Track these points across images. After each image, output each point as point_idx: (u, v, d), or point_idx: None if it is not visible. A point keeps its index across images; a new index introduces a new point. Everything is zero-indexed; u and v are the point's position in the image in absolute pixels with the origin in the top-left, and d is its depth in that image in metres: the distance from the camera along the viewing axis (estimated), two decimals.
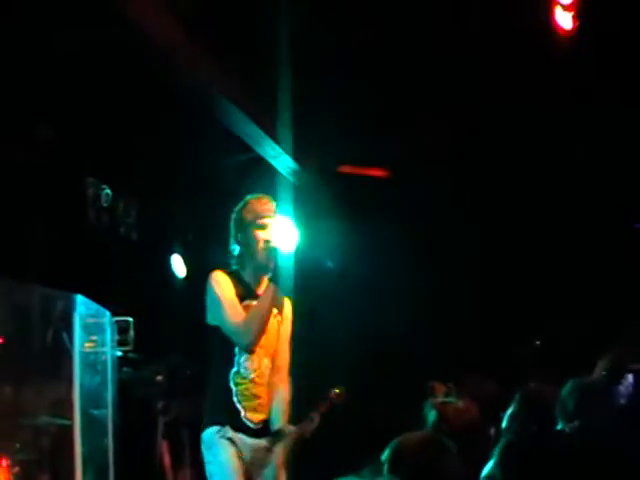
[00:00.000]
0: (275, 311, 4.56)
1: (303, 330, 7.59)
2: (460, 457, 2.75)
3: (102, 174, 6.60)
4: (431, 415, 3.40)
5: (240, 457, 4.35)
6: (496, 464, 1.72)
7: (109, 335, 6.54)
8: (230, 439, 4.34)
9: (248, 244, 4.53)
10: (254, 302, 4.48)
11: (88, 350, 6.42)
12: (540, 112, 7.06)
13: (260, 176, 7.03)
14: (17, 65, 5.12)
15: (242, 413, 4.38)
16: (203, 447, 4.42)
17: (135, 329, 6.61)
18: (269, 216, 4.55)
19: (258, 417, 4.44)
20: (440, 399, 3.61)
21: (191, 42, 5.49)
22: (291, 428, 6.83)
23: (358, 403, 7.09)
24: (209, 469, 4.41)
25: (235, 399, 4.38)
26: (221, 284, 4.44)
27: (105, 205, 6.63)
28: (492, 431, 3.46)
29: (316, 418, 6.84)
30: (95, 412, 6.37)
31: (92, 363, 6.44)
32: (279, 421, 4.59)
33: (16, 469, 5.09)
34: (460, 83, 6.77)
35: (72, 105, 5.75)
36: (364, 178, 7.99)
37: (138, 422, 6.49)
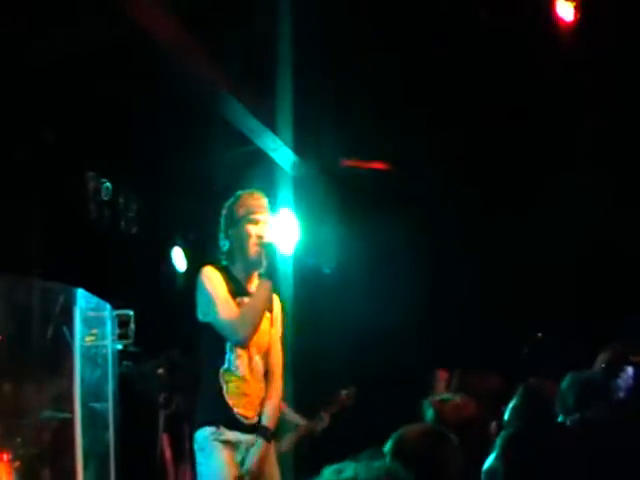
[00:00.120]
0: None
1: (305, 327, 7.63)
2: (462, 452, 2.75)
3: (102, 168, 6.59)
4: (429, 413, 3.39)
5: (233, 461, 4.30)
6: (497, 457, 1.71)
7: (110, 328, 6.53)
8: (224, 442, 4.29)
9: (240, 239, 4.49)
10: (246, 298, 4.45)
11: (89, 344, 6.42)
12: (542, 103, 7.03)
13: (260, 169, 7.03)
14: (17, 60, 5.11)
15: (234, 410, 4.33)
16: (196, 447, 4.38)
17: (136, 322, 6.61)
18: (261, 212, 4.52)
19: (251, 413, 4.38)
20: (437, 396, 3.59)
21: (190, 35, 5.48)
22: (301, 421, 6.88)
23: (361, 399, 7.09)
24: (200, 470, 4.37)
25: (226, 396, 4.33)
26: (212, 280, 4.40)
27: (105, 199, 6.61)
28: (494, 425, 3.46)
29: (326, 417, 6.88)
30: (96, 406, 6.37)
31: (93, 357, 6.43)
32: (267, 423, 4.49)
33: (17, 463, 5.09)
34: (462, 76, 6.74)
35: (71, 100, 5.74)
36: (365, 171, 7.97)
37: (139, 415, 6.49)
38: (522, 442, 1.76)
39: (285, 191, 6.93)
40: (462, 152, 7.58)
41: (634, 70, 6.56)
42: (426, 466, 2.08)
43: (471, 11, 6.30)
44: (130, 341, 6.64)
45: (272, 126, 6.66)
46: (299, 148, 7.20)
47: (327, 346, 7.97)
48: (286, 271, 6.56)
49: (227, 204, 4.57)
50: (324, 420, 6.86)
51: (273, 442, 4.54)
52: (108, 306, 6.54)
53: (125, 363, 6.77)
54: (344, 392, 7.02)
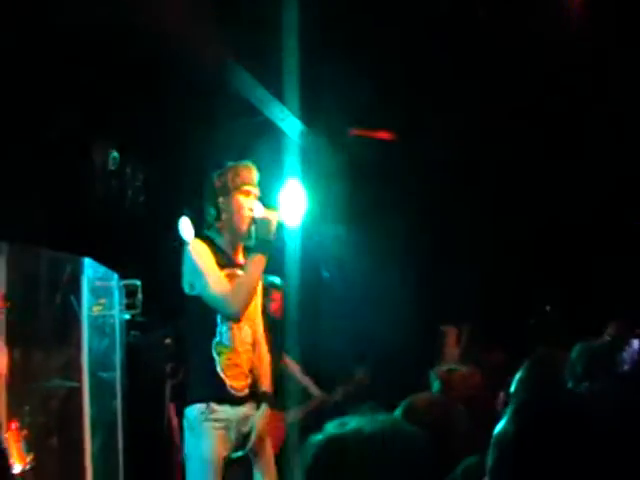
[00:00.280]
0: None
1: (313, 302, 7.64)
2: (469, 422, 2.75)
3: (109, 138, 6.57)
4: (435, 384, 3.39)
5: (224, 442, 4.26)
6: (507, 422, 1.71)
7: (117, 298, 6.57)
8: (215, 420, 4.24)
9: (230, 210, 4.42)
10: (236, 270, 4.40)
11: (96, 313, 6.45)
12: (554, 80, 6.98)
13: (268, 139, 7.00)
14: (28, 31, 5.08)
15: (227, 383, 4.29)
16: (186, 424, 4.31)
17: (143, 292, 6.63)
18: (253, 184, 4.46)
19: (241, 385, 4.35)
20: (444, 367, 3.59)
21: (198, 5, 5.44)
22: (317, 392, 6.93)
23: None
24: (189, 451, 4.30)
25: (219, 369, 4.28)
26: (201, 253, 4.33)
27: (112, 169, 6.60)
28: (502, 396, 3.46)
29: (340, 391, 6.93)
30: (103, 375, 6.41)
31: (100, 326, 6.47)
32: (267, 389, 4.52)
33: (25, 432, 5.12)
34: (472, 49, 6.69)
35: (79, 71, 5.71)
36: (373, 141, 7.94)
37: (146, 385, 6.51)
38: (532, 406, 1.75)
39: (293, 161, 6.90)
40: (469, 122, 7.54)
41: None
42: (434, 433, 2.08)
43: None
44: (137, 311, 6.66)
45: (280, 96, 6.62)
46: (307, 118, 7.17)
47: (336, 316, 7.96)
48: (294, 241, 6.54)
49: (217, 173, 4.47)
50: (338, 394, 6.92)
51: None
52: (115, 276, 6.57)
53: (132, 333, 6.80)
54: (361, 371, 7.07)
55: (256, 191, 4.47)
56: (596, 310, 6.55)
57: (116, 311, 6.55)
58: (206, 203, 4.50)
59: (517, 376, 3.63)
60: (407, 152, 7.97)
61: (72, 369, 6.18)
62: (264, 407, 4.43)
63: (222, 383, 4.28)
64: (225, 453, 4.27)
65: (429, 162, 7.93)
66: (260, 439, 4.41)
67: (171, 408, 6.57)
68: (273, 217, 4.36)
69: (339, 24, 6.33)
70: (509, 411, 1.71)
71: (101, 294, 6.51)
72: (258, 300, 4.59)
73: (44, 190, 5.77)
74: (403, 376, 6.38)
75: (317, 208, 7.37)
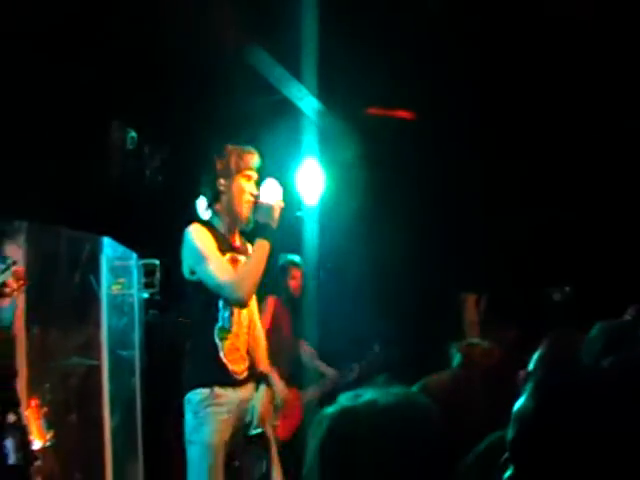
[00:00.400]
0: None
1: (333, 282, 7.64)
2: (488, 398, 2.76)
3: (127, 117, 6.58)
4: (456, 358, 3.38)
5: (227, 427, 4.25)
6: (528, 397, 1.70)
7: (136, 277, 6.60)
8: (218, 404, 4.22)
9: (230, 193, 4.38)
10: (237, 255, 4.38)
11: (115, 292, 6.49)
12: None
13: (286, 118, 7.00)
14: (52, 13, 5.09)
15: (229, 367, 4.27)
16: (188, 408, 4.26)
17: (161, 271, 6.65)
18: (254, 169, 4.42)
19: (241, 368, 4.34)
20: (465, 342, 3.59)
21: None
22: (330, 372, 6.94)
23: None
24: (191, 435, 4.26)
25: (222, 354, 4.26)
26: (202, 238, 4.26)
27: (131, 148, 6.61)
28: (522, 373, 3.46)
29: (356, 369, 6.93)
30: (122, 353, 6.46)
31: (119, 305, 6.51)
32: (265, 369, 4.53)
33: (45, 409, 5.16)
34: (491, 29, 6.65)
35: (99, 50, 5.71)
36: (391, 120, 7.91)
37: (164, 363, 6.54)
38: (552, 381, 1.75)
39: (310, 140, 6.90)
40: (490, 101, 7.49)
41: None
42: (451, 411, 2.08)
43: None
44: (156, 290, 6.69)
45: (298, 75, 6.61)
46: (324, 97, 7.15)
47: (354, 291, 7.95)
48: (311, 220, 6.55)
49: (219, 154, 4.40)
50: (354, 371, 6.92)
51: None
52: (134, 255, 6.60)
53: (151, 312, 6.83)
54: (376, 348, 7.06)
55: (256, 176, 4.43)
56: (616, 293, 6.51)
57: (135, 290, 6.58)
58: (205, 185, 4.47)
59: (536, 354, 3.63)
60: (424, 132, 7.94)
61: (92, 347, 6.23)
62: (263, 388, 4.44)
63: (224, 367, 4.27)
64: (227, 438, 4.26)
65: (446, 141, 7.89)
66: (261, 419, 4.40)
67: None
68: (277, 204, 4.32)
69: (358, 3, 6.30)
70: (528, 387, 1.71)
71: (120, 273, 6.54)
72: None
73: (63, 169, 5.79)
74: (420, 351, 6.42)
75: (334, 187, 7.39)
